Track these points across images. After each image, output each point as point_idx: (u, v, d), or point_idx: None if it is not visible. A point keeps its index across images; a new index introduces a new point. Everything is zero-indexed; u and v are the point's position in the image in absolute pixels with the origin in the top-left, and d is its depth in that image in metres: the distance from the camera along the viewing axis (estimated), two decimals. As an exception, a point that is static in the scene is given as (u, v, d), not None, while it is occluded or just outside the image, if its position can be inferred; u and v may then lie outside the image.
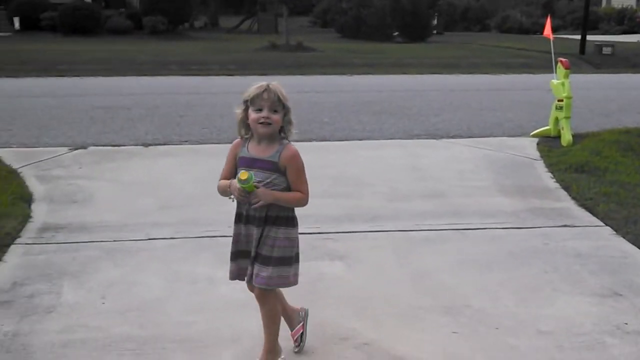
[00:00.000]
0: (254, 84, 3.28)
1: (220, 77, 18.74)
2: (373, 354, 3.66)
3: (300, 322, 3.73)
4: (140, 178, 7.20)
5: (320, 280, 4.64)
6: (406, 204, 6.39)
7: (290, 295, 4.38)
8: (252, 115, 3.26)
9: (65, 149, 8.60)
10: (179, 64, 21.62)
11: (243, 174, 3.20)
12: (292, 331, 3.72)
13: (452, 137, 9.66)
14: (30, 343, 3.79)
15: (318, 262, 4.96)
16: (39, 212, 6.10)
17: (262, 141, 3.32)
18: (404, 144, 9.12)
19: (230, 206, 6.12)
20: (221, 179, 3.45)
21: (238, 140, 3.43)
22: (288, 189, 3.34)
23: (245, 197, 3.27)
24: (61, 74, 18.79)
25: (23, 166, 7.65)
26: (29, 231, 5.60)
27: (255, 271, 3.35)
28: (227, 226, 5.51)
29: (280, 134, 3.34)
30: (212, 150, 8.42)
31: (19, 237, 5.44)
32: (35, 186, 6.90)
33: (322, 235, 5.47)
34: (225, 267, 4.77)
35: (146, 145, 8.75)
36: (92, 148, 8.62)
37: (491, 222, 5.85)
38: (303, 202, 3.37)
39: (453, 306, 4.25)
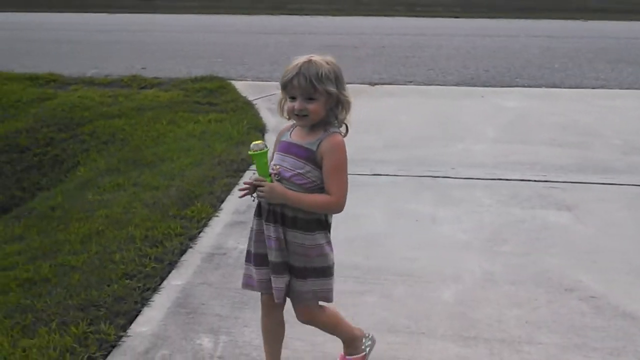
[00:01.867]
0: (294, 60, 2.65)
1: (446, 19, 18.47)
2: (601, 307, 3.51)
3: (362, 353, 3.03)
4: (366, 116, 7.33)
5: (546, 229, 4.51)
6: (642, 158, 6.00)
7: (514, 242, 4.31)
8: (288, 103, 2.65)
9: (296, 84, 8.95)
10: (405, 4, 21.57)
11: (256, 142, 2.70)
12: (345, 355, 3.03)
13: (701, 89, 8.88)
14: (263, 262, 4.04)
15: (544, 210, 4.81)
16: (272, 142, 6.39)
17: (305, 127, 2.72)
18: (642, 95, 8.53)
19: (455, 148, 6.13)
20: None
21: (285, 126, 2.83)
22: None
23: (255, 184, 2.67)
24: (291, 12, 19.47)
25: (257, 98, 8.09)
26: (263, 159, 5.93)
27: (290, 285, 2.74)
28: (451, 168, 5.58)
29: (330, 118, 2.69)
30: (437, 92, 8.39)
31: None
32: (268, 118, 7.27)
33: (549, 184, 5.29)
34: (445, 208, 4.83)
35: (372, 84, 8.89)
36: (320, 84, 8.89)
37: None
38: (331, 207, 2.67)
39: (693, 268, 3.96)
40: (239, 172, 5.53)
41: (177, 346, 3.19)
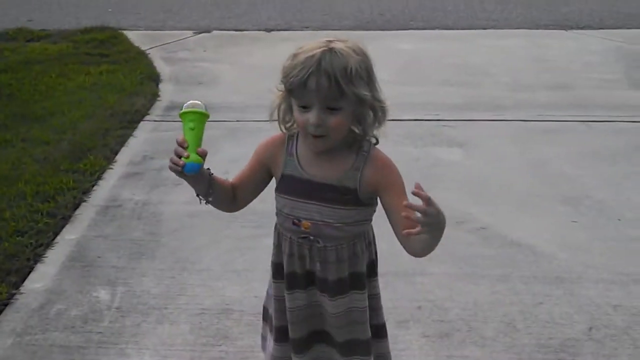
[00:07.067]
0: (305, 47, 1.73)
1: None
2: (489, 238, 3.67)
3: None
4: (262, 62, 7.27)
5: (437, 165, 4.64)
6: (529, 94, 6.20)
7: (407, 179, 4.41)
8: (296, 114, 1.77)
9: (190, 32, 8.79)
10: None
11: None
12: None
13: (582, 28, 9.20)
14: (159, 211, 4.01)
15: (436, 148, 4.94)
16: (166, 92, 6.33)
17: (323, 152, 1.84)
18: (529, 34, 8.76)
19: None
20: (234, 180, 1.97)
21: (276, 136, 1.93)
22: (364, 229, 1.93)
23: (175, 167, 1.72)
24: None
25: (150, 48, 7.90)
26: (157, 109, 5.85)
27: None
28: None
29: (356, 131, 1.82)
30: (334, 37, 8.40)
31: (148, 114, 5.70)
32: (162, 67, 7.13)
33: (441, 123, 5.42)
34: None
35: (268, 30, 8.81)
36: (215, 32, 8.76)
37: (618, 114, 5.60)
38: None
39: (573, 196, 4.17)
40: (133, 123, 5.44)
41: (73, 300, 3.15)
